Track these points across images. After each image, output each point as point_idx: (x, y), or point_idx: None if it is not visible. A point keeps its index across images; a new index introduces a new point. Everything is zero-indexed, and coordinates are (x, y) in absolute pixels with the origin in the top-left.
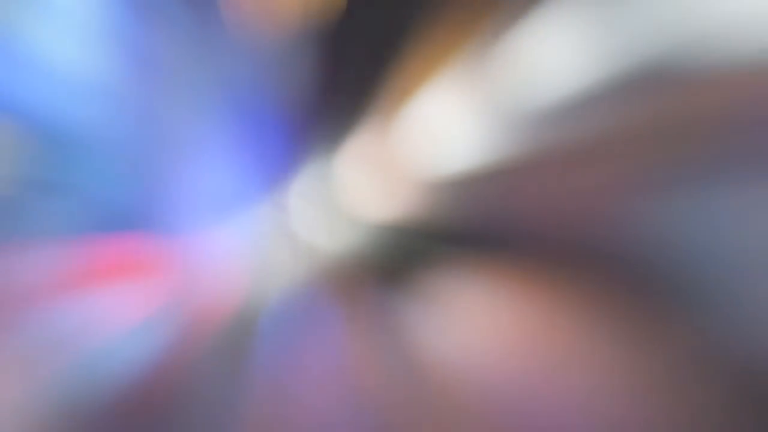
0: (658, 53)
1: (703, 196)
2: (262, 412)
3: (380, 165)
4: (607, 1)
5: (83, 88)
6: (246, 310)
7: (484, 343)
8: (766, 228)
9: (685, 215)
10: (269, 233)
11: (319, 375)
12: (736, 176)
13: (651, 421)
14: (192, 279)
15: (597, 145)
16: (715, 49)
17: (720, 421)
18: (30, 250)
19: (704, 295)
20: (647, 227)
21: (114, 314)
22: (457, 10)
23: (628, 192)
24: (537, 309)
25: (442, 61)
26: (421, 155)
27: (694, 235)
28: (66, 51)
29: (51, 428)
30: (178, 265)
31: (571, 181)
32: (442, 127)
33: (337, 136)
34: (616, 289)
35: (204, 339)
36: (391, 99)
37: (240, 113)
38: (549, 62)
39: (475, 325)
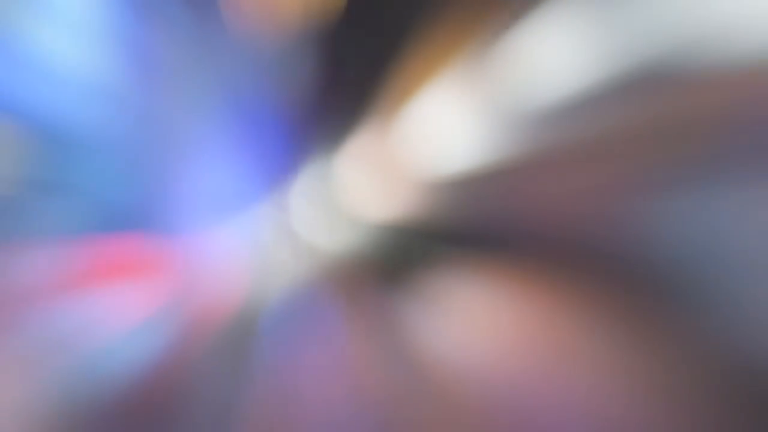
0: (658, 53)
1: (703, 196)
2: (263, 411)
3: (380, 165)
4: (607, 1)
5: (83, 88)
6: (247, 309)
7: (484, 342)
8: (766, 228)
9: (685, 215)
10: (270, 233)
11: (320, 374)
12: (736, 176)
13: (650, 421)
14: (193, 279)
15: (597, 145)
16: (715, 49)
17: (720, 421)
18: (30, 250)
19: (704, 295)
20: (647, 227)
21: (115, 314)
22: (457, 11)
23: (628, 192)
24: (537, 309)
25: (442, 61)
26: (422, 155)
27: (693, 235)
28: (66, 51)
29: (52, 428)
30: (179, 265)
31: (571, 181)
32: (443, 127)
33: (337, 137)
34: (616, 289)
35: (205, 339)
36: (392, 99)
37: (240, 113)
38: (549, 62)
39: (475, 325)
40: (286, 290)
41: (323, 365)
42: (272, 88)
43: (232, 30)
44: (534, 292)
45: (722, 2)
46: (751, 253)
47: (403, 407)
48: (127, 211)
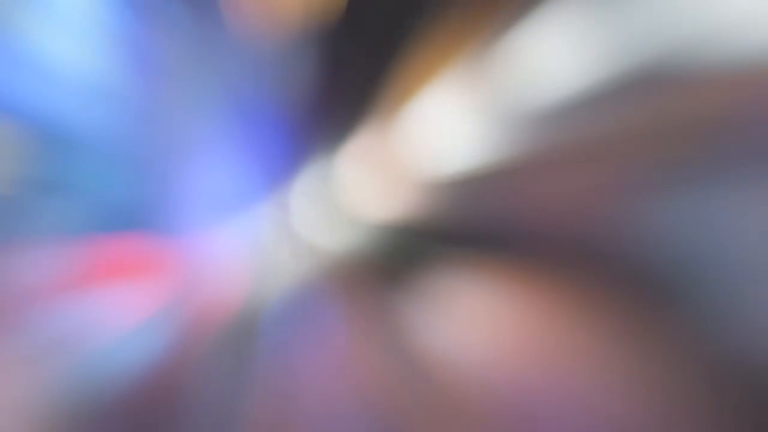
0: (657, 53)
1: (703, 196)
2: (264, 410)
3: (381, 165)
4: (607, 1)
5: (84, 88)
6: (247, 309)
7: (484, 342)
8: (766, 228)
9: (684, 215)
10: (270, 233)
11: (321, 373)
12: (736, 176)
13: (650, 420)
14: (193, 279)
15: (597, 145)
16: (715, 49)
17: (719, 421)
18: (32, 250)
19: (703, 295)
20: (647, 227)
21: (116, 314)
22: (458, 11)
23: (628, 192)
24: (537, 308)
25: (442, 61)
26: (422, 155)
27: (693, 235)
28: (67, 51)
29: (54, 428)
30: (180, 264)
31: (571, 181)
32: (443, 127)
33: (338, 137)
34: (616, 289)
35: (206, 338)
36: (392, 100)
37: (241, 114)
38: (549, 63)
39: (474, 325)
40: (287, 290)
41: (323, 364)
42: (273, 89)
43: (233, 30)
44: (534, 292)
45: (722, 2)
46: (750, 252)
47: (404, 406)
48: (128, 210)
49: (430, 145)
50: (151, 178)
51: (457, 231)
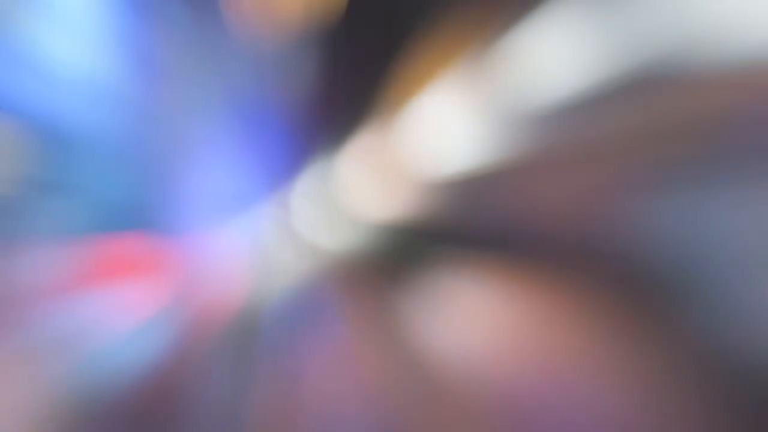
0: (657, 54)
1: (703, 196)
2: (265, 409)
3: (381, 165)
4: (608, 3)
5: (86, 88)
6: (249, 308)
7: (485, 342)
8: (765, 228)
9: (684, 215)
10: (271, 233)
11: (322, 373)
12: (736, 176)
13: (649, 419)
14: (195, 278)
15: (597, 145)
16: (715, 49)
17: (718, 421)
18: (34, 250)
19: (703, 295)
20: (647, 227)
21: (118, 313)
22: (458, 12)
23: (628, 192)
24: (537, 308)
25: (442, 62)
26: (422, 156)
27: (693, 235)
28: (68, 52)
29: (56, 428)
30: (182, 264)
31: (571, 181)
32: (443, 127)
33: (338, 137)
34: (616, 289)
35: (207, 337)
36: (393, 100)
37: (242, 114)
38: (549, 63)
39: (475, 324)
40: (288, 289)
41: (325, 363)
42: (274, 89)
43: (234, 31)
44: (534, 292)
45: (722, 2)
46: (750, 252)
47: (405, 405)
48: (130, 210)
49: (431, 146)
50: (152, 178)
51: (457, 231)
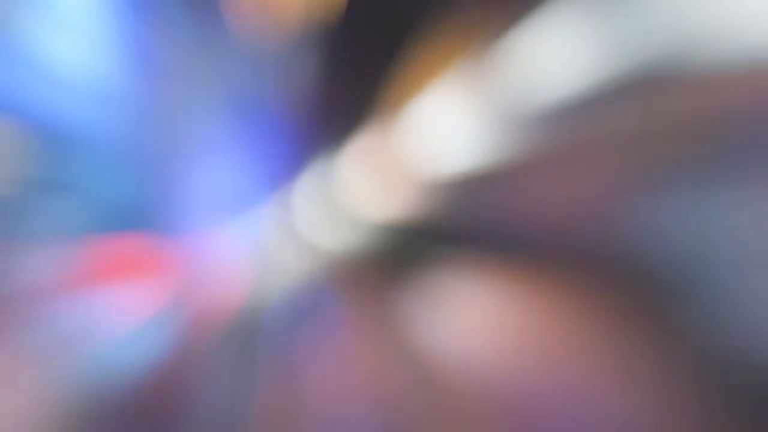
0: (657, 54)
1: (702, 196)
2: (267, 409)
3: (382, 165)
4: (608, 3)
5: (86, 88)
6: (250, 308)
7: (485, 342)
8: (765, 227)
9: (684, 215)
10: (272, 233)
11: (323, 373)
12: (736, 176)
13: (649, 419)
14: (196, 278)
15: (597, 145)
16: (715, 49)
17: (718, 420)
18: (35, 250)
19: (703, 295)
20: (647, 227)
21: (119, 314)
22: (458, 12)
23: (628, 192)
24: (537, 308)
25: (443, 62)
26: (423, 156)
27: (693, 235)
28: (68, 52)
29: (57, 428)
30: (183, 264)
31: (571, 181)
32: (443, 128)
33: (339, 137)
34: (615, 289)
35: (208, 338)
36: (393, 100)
37: (243, 114)
38: (549, 64)
39: (475, 324)
40: (289, 289)
41: (325, 363)
42: (274, 90)
43: (234, 31)
44: (534, 292)
45: (722, 2)
46: (750, 253)
47: (405, 404)
48: (130, 210)
49: (431, 146)
50: (152, 178)
51: (457, 231)
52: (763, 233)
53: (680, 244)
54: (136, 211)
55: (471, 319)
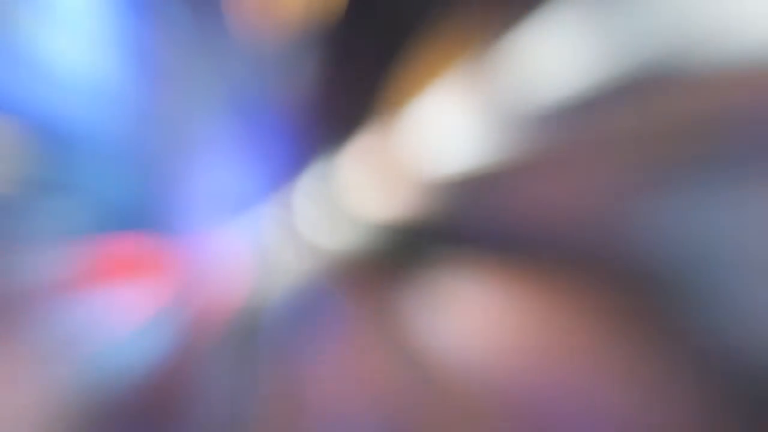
0: (657, 54)
1: (702, 196)
2: (267, 408)
3: (382, 165)
4: (608, 3)
5: (87, 88)
6: (250, 307)
7: (485, 341)
8: (765, 227)
9: (684, 215)
10: (273, 233)
11: (323, 371)
12: (736, 176)
13: (649, 418)
14: (197, 278)
15: (597, 145)
16: (715, 49)
17: (717, 419)
18: (37, 250)
19: (702, 294)
20: (647, 227)
21: (120, 313)
22: (459, 13)
23: (628, 192)
24: (537, 307)
25: (443, 63)
26: (423, 156)
27: (692, 235)
28: (69, 51)
29: (58, 427)
30: (184, 264)
31: (571, 181)
32: (444, 128)
33: (339, 137)
34: (615, 288)
35: (209, 337)
36: (393, 101)
37: (244, 114)
38: (549, 64)
39: (475, 324)
40: (289, 289)
41: (325, 362)
42: (275, 90)
43: (235, 32)
44: (533, 291)
45: (722, 2)
46: (749, 252)
47: (405, 403)
48: (131, 210)
49: (431, 146)
50: (153, 178)
51: (457, 231)
52: (763, 233)
53: (680, 245)
54: (136, 211)
55: (471, 319)
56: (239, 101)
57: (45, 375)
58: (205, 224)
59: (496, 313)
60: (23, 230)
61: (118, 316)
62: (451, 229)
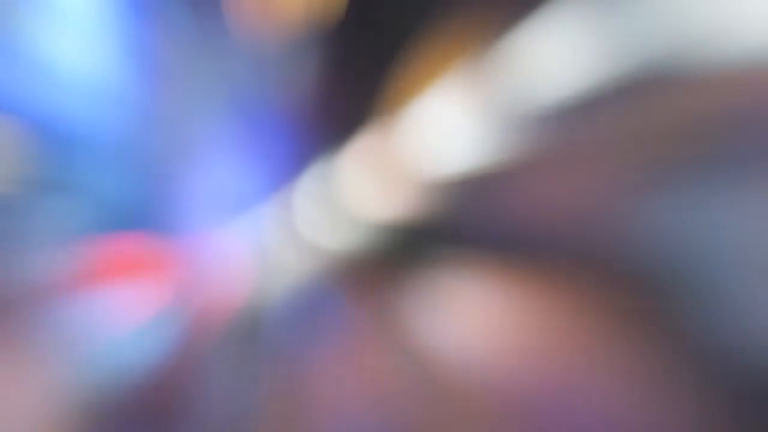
0: (657, 54)
1: (702, 195)
2: (268, 407)
3: (382, 166)
4: (608, 3)
5: (87, 88)
6: (251, 307)
7: (485, 341)
8: (765, 227)
9: (684, 215)
10: (273, 233)
11: (323, 371)
12: (736, 176)
13: (649, 418)
14: (198, 278)
15: (597, 145)
16: (715, 50)
17: (717, 419)
18: (38, 250)
19: (702, 295)
20: (646, 227)
21: (122, 312)
22: (459, 13)
23: (628, 192)
24: (537, 308)
25: (443, 63)
26: (423, 156)
27: (692, 235)
28: (70, 51)
29: (60, 426)
30: (185, 264)
31: (571, 181)
32: (444, 128)
33: (340, 138)
34: (615, 288)
35: (210, 337)
36: (394, 101)
37: (244, 115)
38: (549, 64)
39: (475, 324)
40: (290, 289)
41: (326, 362)
42: (275, 90)
43: (236, 33)
44: (533, 291)
45: (722, 3)
46: (749, 252)
47: (405, 402)
48: (133, 210)
49: (431, 146)
50: (154, 178)
51: (457, 231)
52: (763, 233)
53: (680, 245)
54: (137, 211)
55: (471, 319)
56: (240, 101)
57: (46, 375)
58: (205, 224)
59: (497, 313)
60: (24, 230)
61: (119, 316)
62: (451, 229)
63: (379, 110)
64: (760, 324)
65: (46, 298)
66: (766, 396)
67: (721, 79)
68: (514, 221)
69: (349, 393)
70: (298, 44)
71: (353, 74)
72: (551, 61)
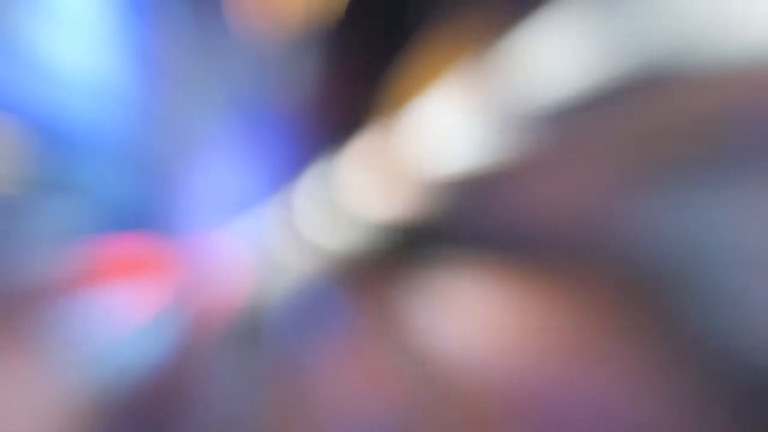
0: (658, 54)
1: (702, 195)
2: (269, 408)
3: (383, 166)
4: (608, 3)
5: (88, 88)
6: (252, 308)
7: (486, 341)
8: (765, 227)
9: (684, 215)
10: (274, 233)
11: (324, 372)
12: (736, 176)
13: (649, 418)
14: (198, 278)
15: (597, 145)
16: (715, 49)
17: (718, 419)
18: (38, 250)
19: (703, 294)
20: (647, 227)
21: (122, 312)
22: (459, 13)
23: (628, 192)
24: (537, 308)
25: (444, 62)
26: (423, 156)
27: (693, 235)
28: (70, 51)
29: (61, 426)
30: (185, 264)
31: (571, 181)
32: (444, 128)
33: (340, 138)
34: (615, 288)
35: (211, 337)
36: (394, 101)
37: (245, 115)
38: (550, 64)
39: (475, 324)
40: (290, 289)
41: (327, 362)
42: (276, 90)
43: (236, 32)
44: (533, 291)
45: (722, 2)
46: (750, 252)
47: (406, 402)
48: (133, 210)
49: (431, 146)
50: (155, 178)
51: (457, 231)
52: (763, 233)
53: (680, 244)
54: (138, 211)
55: (471, 319)
56: (240, 102)
57: (45, 374)
58: (206, 224)
59: (497, 313)
60: (23, 230)
61: (119, 316)
62: (451, 229)
63: (379, 110)
64: (760, 324)
65: (46, 298)
66: (766, 396)
67: (721, 79)
68: (514, 221)
69: (349, 393)
70: (298, 44)
71: (353, 74)
72: (551, 61)
